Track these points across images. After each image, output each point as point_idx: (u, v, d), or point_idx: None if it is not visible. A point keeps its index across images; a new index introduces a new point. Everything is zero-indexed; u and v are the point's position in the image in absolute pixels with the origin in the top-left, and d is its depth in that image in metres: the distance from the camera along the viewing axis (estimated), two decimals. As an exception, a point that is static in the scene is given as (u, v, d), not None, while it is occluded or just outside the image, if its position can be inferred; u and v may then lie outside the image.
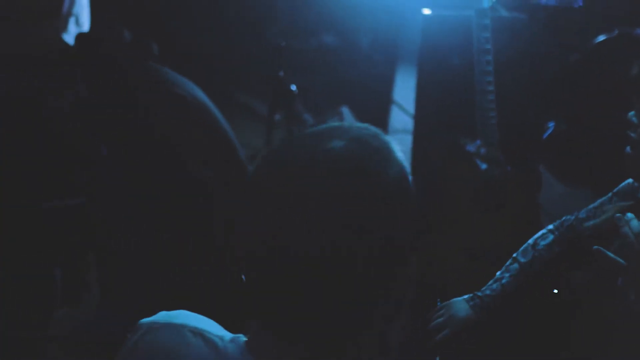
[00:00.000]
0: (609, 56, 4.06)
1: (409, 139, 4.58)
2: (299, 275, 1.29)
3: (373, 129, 1.40)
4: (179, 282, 3.56)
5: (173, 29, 5.76)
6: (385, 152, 1.36)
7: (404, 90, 5.63)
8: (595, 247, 2.18)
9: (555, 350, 2.60)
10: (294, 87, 4.50)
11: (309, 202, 1.28)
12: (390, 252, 1.32)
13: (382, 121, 5.52)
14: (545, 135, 4.26)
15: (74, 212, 3.89)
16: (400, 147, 1.39)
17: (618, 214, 2.18)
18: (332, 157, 1.32)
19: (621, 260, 2.15)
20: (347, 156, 1.32)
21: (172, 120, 3.66)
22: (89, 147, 3.82)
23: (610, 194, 2.60)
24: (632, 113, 2.46)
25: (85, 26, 4.31)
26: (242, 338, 1.46)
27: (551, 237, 2.65)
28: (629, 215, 2.16)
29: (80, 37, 3.82)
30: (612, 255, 2.16)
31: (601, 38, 4.06)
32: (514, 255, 2.65)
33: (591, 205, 2.62)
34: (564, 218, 2.67)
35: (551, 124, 4.27)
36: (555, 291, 2.66)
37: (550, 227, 2.67)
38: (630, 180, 2.59)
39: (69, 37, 4.17)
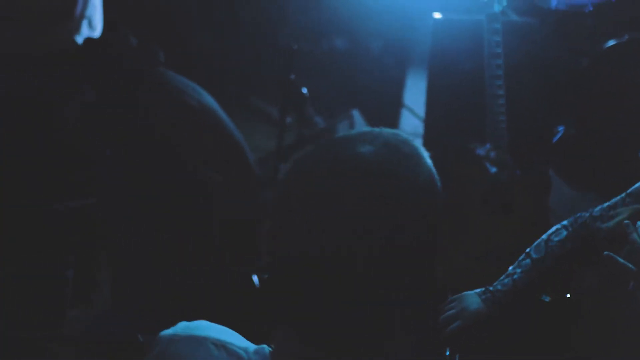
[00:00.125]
0: (619, 61, 4.06)
1: (419, 143, 4.59)
2: (330, 277, 1.29)
3: (403, 134, 1.41)
4: (184, 283, 3.57)
5: (184, 32, 5.78)
6: (416, 158, 1.38)
7: (415, 94, 5.63)
8: (606, 253, 2.19)
9: (560, 349, 2.60)
10: (305, 90, 4.50)
11: (341, 205, 1.29)
12: (420, 255, 1.35)
13: (393, 124, 5.52)
14: (555, 139, 4.26)
15: (85, 213, 3.91)
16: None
17: (626, 221, 2.18)
18: (363, 161, 1.33)
19: (631, 266, 2.15)
20: (379, 161, 1.33)
21: (177, 125, 3.68)
22: (95, 148, 3.84)
23: (623, 194, 2.60)
24: None
25: (98, 28, 4.33)
26: (267, 349, 1.45)
27: (564, 233, 2.64)
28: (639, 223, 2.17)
29: (87, 41, 3.85)
30: (622, 260, 2.16)
31: (611, 43, 4.06)
32: (527, 250, 2.65)
33: (606, 204, 2.60)
34: (578, 215, 2.65)
35: (561, 128, 4.27)
36: (568, 295, 2.66)
37: (565, 222, 2.66)
38: None
39: (82, 39, 4.18)
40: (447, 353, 2.57)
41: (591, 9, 4.09)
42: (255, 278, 3.66)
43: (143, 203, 3.63)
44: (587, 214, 2.63)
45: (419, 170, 1.36)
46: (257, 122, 5.78)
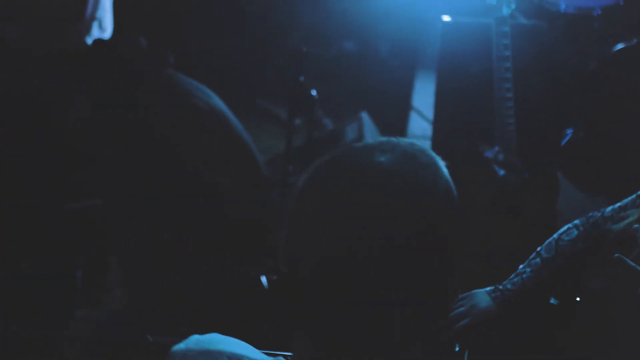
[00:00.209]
0: (627, 64, 4.06)
1: (427, 145, 4.59)
2: (349, 283, 1.30)
3: (419, 144, 1.41)
4: (193, 284, 3.58)
5: (194, 34, 5.79)
6: (434, 167, 1.38)
7: (423, 96, 5.64)
8: (616, 255, 2.19)
9: (563, 350, 2.61)
10: (314, 93, 4.51)
11: (360, 214, 1.30)
12: (440, 264, 1.35)
13: (401, 127, 5.53)
14: (563, 141, 4.27)
15: (94, 214, 3.92)
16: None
17: (636, 225, 2.18)
18: (383, 171, 1.33)
19: None
20: (397, 170, 1.34)
21: (186, 126, 3.69)
22: (102, 149, 3.86)
23: (634, 195, 2.59)
24: None
25: (109, 30, 4.35)
26: None
27: (575, 232, 2.63)
28: None
29: (96, 43, 3.87)
30: (632, 263, 2.17)
31: (620, 46, 4.07)
32: (538, 249, 2.65)
33: (617, 204, 2.60)
34: (590, 214, 2.65)
35: (569, 131, 4.27)
36: (578, 299, 2.66)
37: (577, 222, 2.65)
38: None
39: (92, 40, 4.20)
40: (457, 349, 2.58)
41: (600, 12, 4.09)
42: (264, 279, 3.67)
43: (150, 204, 3.64)
44: (599, 214, 2.62)
45: (437, 180, 1.36)
46: (266, 124, 5.78)
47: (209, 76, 3.99)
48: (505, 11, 3.65)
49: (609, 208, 2.60)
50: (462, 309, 2.64)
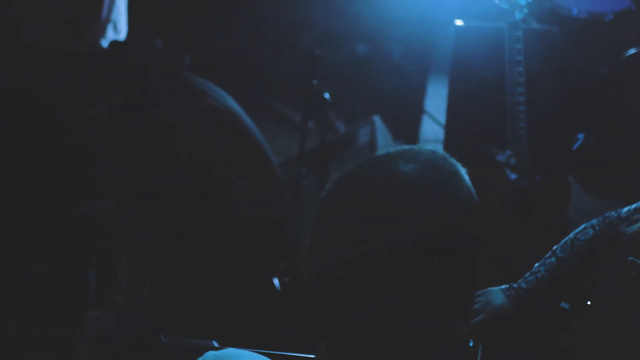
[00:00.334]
0: (639, 70, 4.07)
1: (439, 149, 4.59)
2: (377, 291, 1.31)
3: (440, 152, 1.43)
4: (205, 285, 3.60)
5: (208, 36, 5.82)
6: (456, 175, 1.40)
7: (436, 100, 5.65)
8: (630, 258, 2.19)
9: (573, 351, 2.61)
10: (327, 96, 4.53)
11: (386, 223, 1.31)
12: (464, 268, 1.38)
13: (413, 130, 5.54)
14: (575, 146, 4.27)
15: (107, 216, 3.94)
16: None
17: None
18: (407, 180, 1.35)
19: None
20: (421, 178, 1.36)
21: (202, 127, 3.72)
22: (118, 151, 3.88)
23: None
24: None
25: (123, 32, 4.37)
26: None
27: (591, 232, 2.62)
28: None
29: (113, 44, 3.89)
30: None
31: (631, 51, 4.07)
32: (554, 248, 2.65)
33: (633, 205, 2.60)
34: (606, 214, 2.64)
35: (580, 135, 4.28)
36: (589, 303, 2.67)
37: (594, 221, 2.64)
38: None
39: (107, 43, 4.23)
40: (471, 344, 2.59)
41: (612, 17, 4.10)
42: (276, 281, 3.69)
43: (164, 205, 3.66)
44: (615, 214, 2.61)
45: (460, 188, 1.39)
46: (279, 126, 5.80)
47: (223, 78, 4.01)
48: (518, 16, 3.66)
49: (625, 209, 2.59)
50: (477, 305, 2.66)
